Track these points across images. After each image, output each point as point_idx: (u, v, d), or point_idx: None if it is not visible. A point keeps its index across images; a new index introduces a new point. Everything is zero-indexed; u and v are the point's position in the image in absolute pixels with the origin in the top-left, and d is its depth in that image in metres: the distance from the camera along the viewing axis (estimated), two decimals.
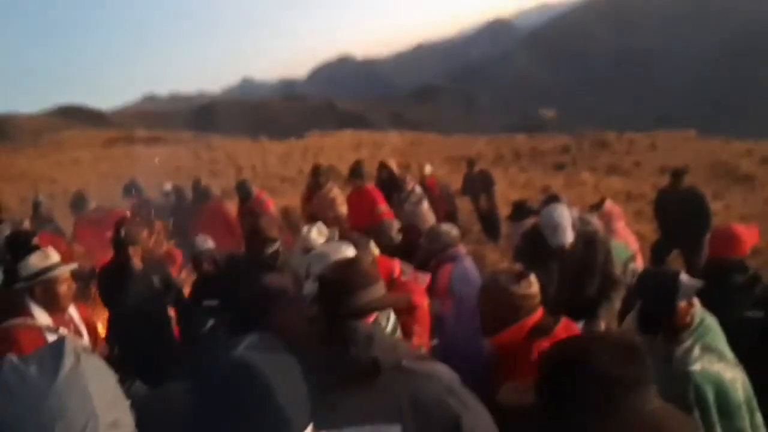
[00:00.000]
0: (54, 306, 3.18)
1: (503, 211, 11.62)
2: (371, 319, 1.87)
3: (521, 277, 2.52)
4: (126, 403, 1.15)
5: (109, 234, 6.73)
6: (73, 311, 3.38)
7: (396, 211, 7.25)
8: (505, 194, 13.27)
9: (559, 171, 20.11)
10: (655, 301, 2.66)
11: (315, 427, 1.54)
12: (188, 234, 7.81)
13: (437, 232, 4.08)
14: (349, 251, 2.94)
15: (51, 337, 3.05)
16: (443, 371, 1.77)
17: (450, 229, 4.11)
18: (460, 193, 12.13)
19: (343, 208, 7.70)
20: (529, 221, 5.40)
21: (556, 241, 4.12)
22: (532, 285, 2.52)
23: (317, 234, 3.68)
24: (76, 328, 3.30)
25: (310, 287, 2.82)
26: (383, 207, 7.23)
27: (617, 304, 4.21)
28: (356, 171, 7.61)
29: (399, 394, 1.67)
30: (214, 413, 1.17)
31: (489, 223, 11.00)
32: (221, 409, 1.19)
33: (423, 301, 3.26)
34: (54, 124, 43.62)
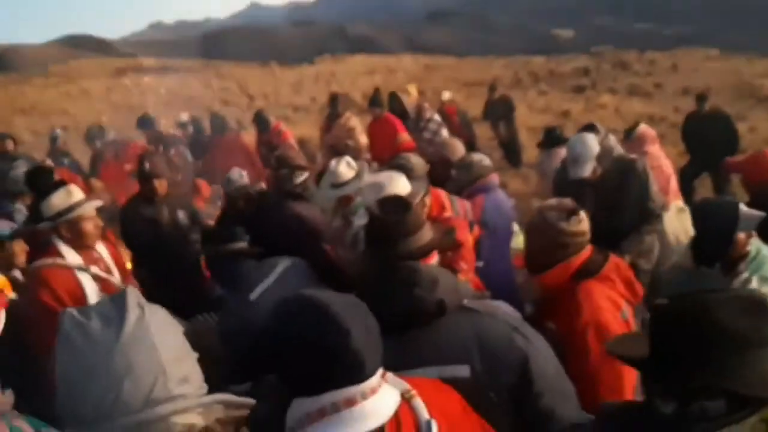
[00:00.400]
0: (81, 244, 3.11)
1: (523, 136, 11.43)
2: (431, 259, 1.78)
3: (571, 213, 2.38)
4: (194, 357, 1.06)
5: (128, 167, 6.65)
6: (101, 248, 3.31)
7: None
8: (524, 119, 12.97)
9: (579, 94, 19.63)
10: (713, 233, 2.55)
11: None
12: (206, 166, 7.73)
13: (469, 162, 3.94)
14: (402, 181, 2.83)
15: (81, 276, 3.01)
16: (506, 309, 1.71)
17: (482, 159, 3.96)
18: (479, 119, 11.88)
19: (362, 138, 7.54)
20: (561, 150, 5.26)
21: (573, 173, 4.03)
22: (582, 222, 2.38)
23: (346, 167, 3.54)
24: (106, 266, 3.24)
25: (361, 218, 2.72)
26: (405, 136, 7.07)
27: (649, 239, 4.06)
28: (375, 100, 7.42)
29: (465, 334, 1.61)
30: (285, 352, 1.10)
31: (510, 150, 10.79)
32: (293, 348, 1.12)
33: (467, 237, 3.16)
34: (60, 54, 42.84)
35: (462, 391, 1.50)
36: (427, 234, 1.70)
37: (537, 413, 1.60)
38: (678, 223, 4.65)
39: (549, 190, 5.95)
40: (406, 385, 1.28)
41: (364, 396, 1.16)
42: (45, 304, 2.91)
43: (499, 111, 10.78)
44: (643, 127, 5.28)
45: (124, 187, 6.16)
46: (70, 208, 3.07)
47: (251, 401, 1.09)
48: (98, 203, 3.29)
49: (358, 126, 7.56)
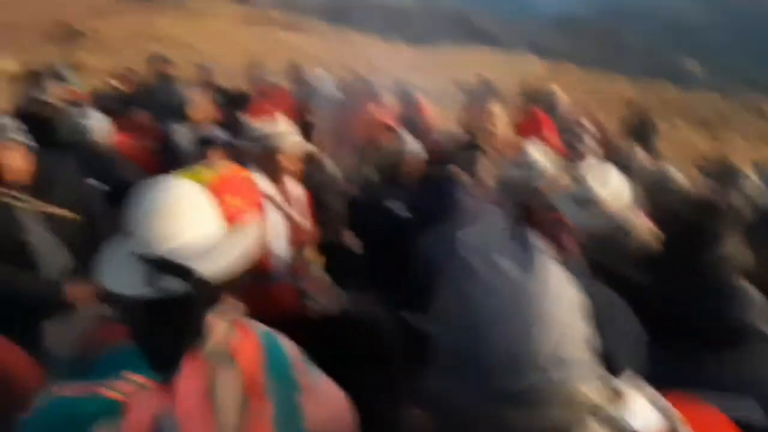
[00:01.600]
0: (273, 176, 3.11)
1: None
2: None
3: None
4: (587, 319, 0.92)
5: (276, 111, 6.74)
6: (293, 186, 3.29)
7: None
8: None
9: (707, 130, 18.63)
10: None
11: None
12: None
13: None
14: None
15: (267, 206, 3.00)
16: None
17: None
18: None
19: (501, 126, 7.33)
20: None
21: None
22: None
23: (536, 151, 3.37)
24: (293, 201, 3.21)
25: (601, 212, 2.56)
26: (549, 135, 6.81)
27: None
28: (529, 94, 7.21)
29: (758, 366, 1.42)
30: None
31: None
32: None
33: None
34: None
35: None
36: (732, 244, 1.52)
37: None
38: None
39: None
40: (668, 404, 1.10)
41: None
42: None
43: (640, 131, 10.23)
44: None
45: None
46: (274, 136, 3.06)
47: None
48: (302, 144, 3.24)
49: (502, 115, 7.36)
